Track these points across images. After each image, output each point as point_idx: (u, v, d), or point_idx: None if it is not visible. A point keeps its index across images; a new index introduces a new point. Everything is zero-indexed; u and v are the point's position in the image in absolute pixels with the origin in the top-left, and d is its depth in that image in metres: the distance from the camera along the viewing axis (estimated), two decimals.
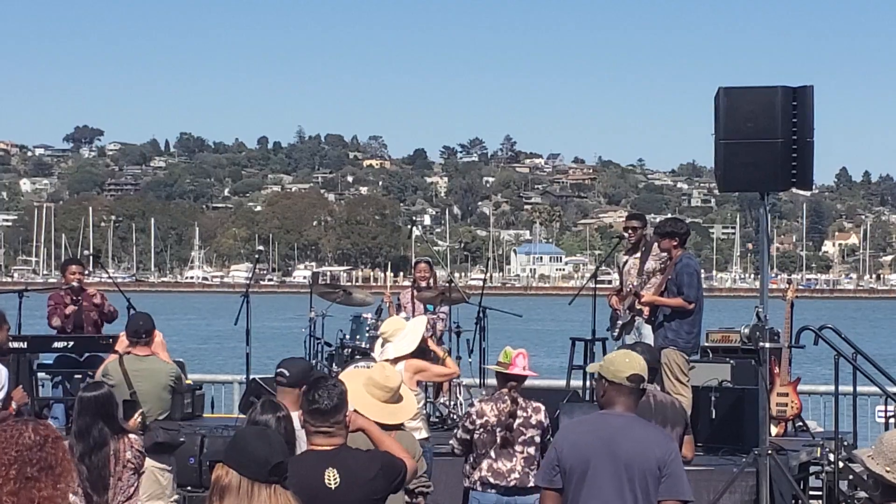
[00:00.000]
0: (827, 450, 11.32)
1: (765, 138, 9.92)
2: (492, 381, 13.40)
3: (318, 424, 5.72)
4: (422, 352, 9.18)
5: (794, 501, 10.79)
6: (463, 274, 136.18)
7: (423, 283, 13.74)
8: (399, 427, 7.03)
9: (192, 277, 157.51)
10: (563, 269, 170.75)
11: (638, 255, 12.47)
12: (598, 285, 14.11)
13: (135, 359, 9.77)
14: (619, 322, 12.25)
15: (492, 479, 8.37)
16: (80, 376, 12.69)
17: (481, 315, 13.33)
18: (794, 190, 11.13)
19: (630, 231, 12.65)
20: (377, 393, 6.88)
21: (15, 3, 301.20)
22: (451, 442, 8.73)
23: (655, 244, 12.04)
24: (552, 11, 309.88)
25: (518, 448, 8.38)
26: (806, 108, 9.97)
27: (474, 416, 8.52)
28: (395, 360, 8.90)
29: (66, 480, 4.23)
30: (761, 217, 10.53)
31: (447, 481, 9.63)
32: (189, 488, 11.00)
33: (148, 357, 9.81)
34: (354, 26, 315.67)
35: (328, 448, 5.68)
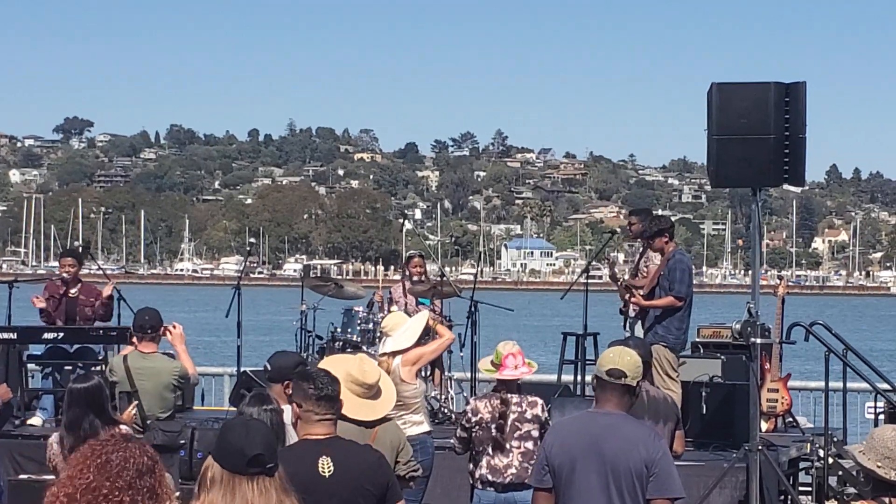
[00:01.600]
0: (817, 446, 11.32)
1: (757, 134, 9.93)
2: (483, 375, 13.44)
3: (323, 412, 5.72)
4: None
5: (783, 497, 10.81)
6: (453, 268, 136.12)
7: (417, 277, 13.73)
8: (383, 420, 7.01)
9: (181, 270, 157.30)
10: (554, 265, 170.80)
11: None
12: (589, 281, 14.13)
13: (138, 356, 9.73)
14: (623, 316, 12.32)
15: (490, 477, 8.33)
16: (70, 367, 12.68)
17: (473, 309, 13.31)
18: (784, 186, 11.15)
19: (630, 228, 12.72)
20: (355, 389, 6.85)
21: None
22: (451, 441, 8.71)
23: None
24: (544, 6, 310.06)
25: (514, 444, 8.33)
26: (798, 105, 9.97)
27: (469, 415, 8.50)
28: (393, 354, 8.89)
29: None
30: (753, 213, 10.53)
31: (444, 475, 9.63)
32: (180, 481, 10.98)
33: (151, 355, 9.76)
34: (346, 19, 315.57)
35: (321, 437, 5.69)
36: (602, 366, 6.02)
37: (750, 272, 10.57)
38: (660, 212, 14.21)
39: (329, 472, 5.57)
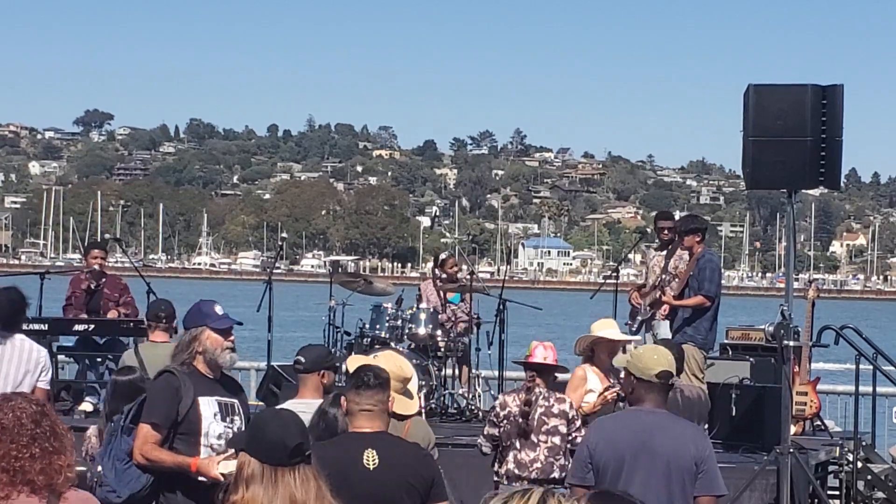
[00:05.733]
0: (846, 450, 11.31)
1: (794, 136, 9.90)
2: (510, 373, 13.45)
3: (362, 402, 5.75)
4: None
5: (812, 500, 10.78)
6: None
7: (454, 277, 13.71)
8: (413, 415, 7.01)
9: (199, 263, 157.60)
10: (571, 264, 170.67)
11: (664, 252, 12.50)
12: (612, 281, 14.08)
13: (150, 345, 9.73)
14: (639, 318, 12.27)
15: (516, 471, 8.30)
16: (100, 359, 12.72)
17: (501, 307, 13.31)
18: (815, 191, 11.12)
19: (666, 231, 12.65)
20: (392, 384, 6.85)
21: None
22: (478, 440, 8.66)
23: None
24: (564, 6, 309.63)
25: (541, 437, 8.30)
26: (835, 107, 9.94)
27: (498, 409, 8.48)
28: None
29: (72, 443, 4.26)
30: (788, 215, 10.53)
31: (469, 473, 9.63)
32: None
33: (163, 344, 9.75)
34: (367, 16, 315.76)
35: (368, 430, 5.73)
36: (649, 368, 6.01)
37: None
38: (677, 214, 14.14)
39: (374, 464, 5.60)
